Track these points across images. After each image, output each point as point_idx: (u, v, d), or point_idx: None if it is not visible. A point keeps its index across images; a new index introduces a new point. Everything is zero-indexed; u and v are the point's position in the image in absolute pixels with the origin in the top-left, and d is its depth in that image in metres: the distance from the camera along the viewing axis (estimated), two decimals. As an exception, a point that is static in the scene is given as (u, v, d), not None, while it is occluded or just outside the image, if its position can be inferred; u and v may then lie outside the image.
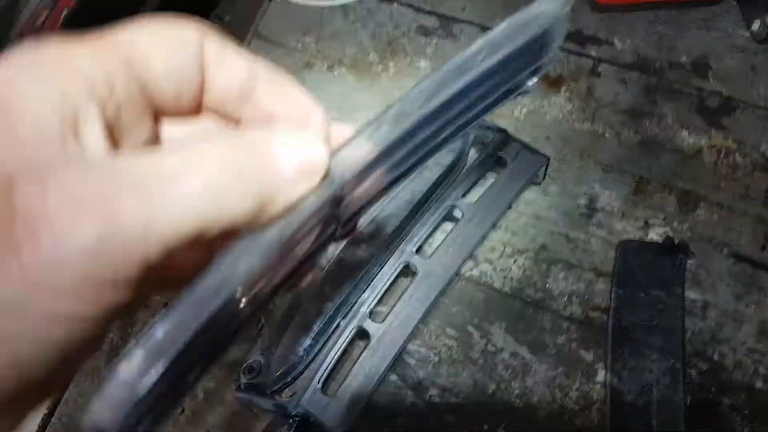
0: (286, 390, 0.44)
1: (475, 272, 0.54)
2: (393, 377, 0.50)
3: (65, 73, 0.18)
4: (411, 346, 0.51)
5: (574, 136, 0.58)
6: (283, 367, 0.46)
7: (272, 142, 0.19)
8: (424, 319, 0.47)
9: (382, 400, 0.50)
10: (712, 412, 0.48)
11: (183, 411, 0.51)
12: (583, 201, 0.56)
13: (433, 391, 0.50)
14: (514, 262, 0.54)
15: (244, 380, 0.47)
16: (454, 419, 0.49)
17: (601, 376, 0.50)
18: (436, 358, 0.51)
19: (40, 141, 0.17)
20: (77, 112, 0.18)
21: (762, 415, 0.48)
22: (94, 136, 0.18)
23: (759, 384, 0.49)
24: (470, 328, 0.52)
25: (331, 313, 0.49)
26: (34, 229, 0.15)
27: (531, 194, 0.56)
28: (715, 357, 0.50)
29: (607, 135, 0.58)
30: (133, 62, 0.19)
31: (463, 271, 0.54)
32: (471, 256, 0.52)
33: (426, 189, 0.50)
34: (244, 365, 0.48)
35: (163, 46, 0.20)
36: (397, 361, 0.51)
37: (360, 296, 0.46)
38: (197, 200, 0.17)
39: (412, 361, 0.51)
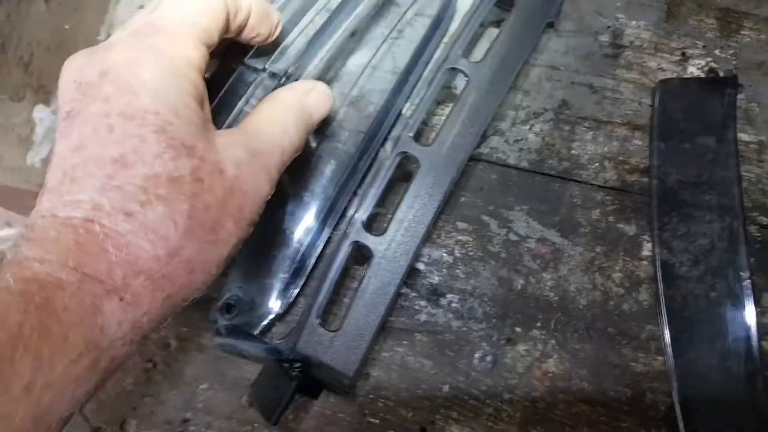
0: (277, 328, 0.35)
1: (484, 149, 0.44)
2: (403, 290, 0.42)
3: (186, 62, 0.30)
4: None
5: (585, -45, 0.45)
6: (269, 300, 0.37)
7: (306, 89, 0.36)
8: (434, 222, 0.37)
9: (393, 319, 0.41)
10: (778, 272, 0.41)
11: (155, 365, 0.42)
12: (606, 38, 0.44)
13: (451, 297, 0.42)
14: (530, 128, 0.44)
15: (222, 322, 0.38)
16: (480, 326, 0.41)
17: (647, 249, 0.42)
18: (450, 259, 0.42)
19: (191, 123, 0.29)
20: (203, 96, 0.31)
21: (834, 266, 0.41)
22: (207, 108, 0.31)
23: (829, 231, 0.42)
24: (485, 218, 0.43)
25: (316, 226, 0.39)
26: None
27: (542, 40, 0.44)
28: (778, 207, 0.42)
29: (627, -53, 0.45)
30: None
31: (464, 140, 0.43)
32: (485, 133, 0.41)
33: (412, 51, 0.38)
34: (220, 303, 0.39)
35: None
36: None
37: (349, 202, 0.36)
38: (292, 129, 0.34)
39: (421, 267, 0.42)
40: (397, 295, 0.38)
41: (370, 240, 0.35)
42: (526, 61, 0.42)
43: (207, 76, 0.32)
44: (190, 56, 0.30)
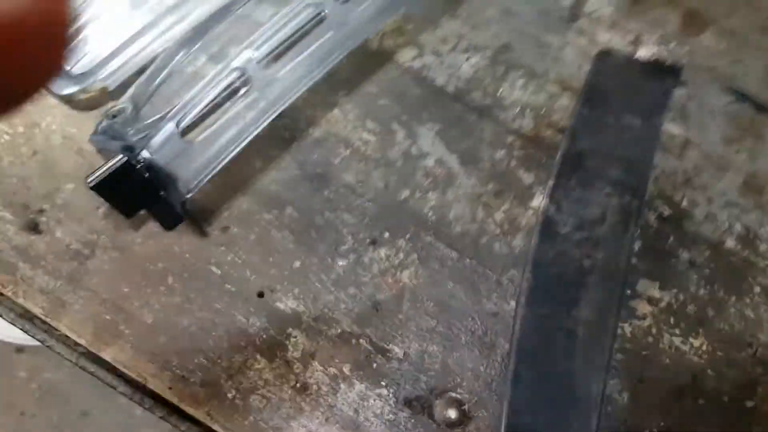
0: (139, 130, 0.35)
1: (417, 63, 0.44)
2: (292, 165, 0.42)
3: None
4: (317, 132, 0.42)
5: (574, -73, 0.47)
6: (149, 115, 0.38)
7: None
8: (327, 69, 0.37)
9: (273, 186, 0.41)
10: (665, 264, 0.40)
11: (34, 153, 0.43)
12: (567, 1, 0.45)
13: (334, 187, 0.42)
14: (467, 59, 0.44)
15: (103, 124, 0.39)
16: (352, 221, 0.41)
17: (537, 201, 0.41)
18: (347, 152, 0.42)
19: None
20: None
21: (724, 278, 0.39)
22: None
23: (730, 243, 0.40)
24: (395, 125, 0.43)
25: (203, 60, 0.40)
26: None
27: (505, -13, 0.45)
28: (684, 203, 0.41)
29: (615, -72, 0.46)
30: None
31: (403, 60, 0.44)
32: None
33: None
34: (108, 110, 0.40)
35: None
36: (301, 146, 0.42)
37: (248, 36, 0.37)
38: None
39: (317, 150, 0.42)
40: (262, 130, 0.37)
41: (255, 71, 0.35)
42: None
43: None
44: None
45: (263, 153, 0.42)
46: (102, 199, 0.37)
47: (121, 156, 0.33)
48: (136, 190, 0.35)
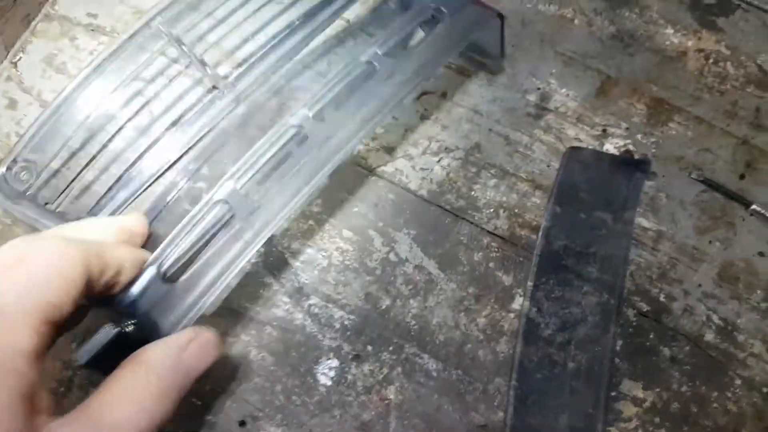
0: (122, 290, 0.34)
1: (389, 168, 0.44)
2: (269, 279, 0.41)
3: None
4: (296, 245, 0.42)
5: (536, 19, 0.47)
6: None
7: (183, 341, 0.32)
8: (308, 198, 0.36)
9: (249, 305, 0.41)
10: (647, 362, 0.40)
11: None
12: (533, 98, 0.45)
13: (315, 300, 0.41)
14: (439, 161, 0.44)
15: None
16: (334, 336, 0.40)
17: (517, 303, 0.41)
18: (326, 262, 0.42)
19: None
20: (33, 386, 0.26)
21: (706, 373, 0.39)
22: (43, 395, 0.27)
23: (709, 336, 0.40)
24: (372, 233, 0.43)
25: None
26: None
27: (473, 85, 0.46)
28: (662, 298, 0.41)
29: (576, 21, 0.47)
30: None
31: (375, 165, 0.44)
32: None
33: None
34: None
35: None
36: (278, 261, 0.42)
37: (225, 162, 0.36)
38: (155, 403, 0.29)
39: (295, 263, 0.42)
40: (244, 266, 0.37)
41: (233, 200, 0.35)
42: (440, 66, 0.43)
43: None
44: (23, 345, 0.25)
45: (240, 270, 0.41)
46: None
47: (109, 328, 0.31)
48: (123, 351, 0.33)
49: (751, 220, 0.42)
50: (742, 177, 0.43)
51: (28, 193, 0.38)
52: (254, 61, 0.41)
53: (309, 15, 0.42)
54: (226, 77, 0.40)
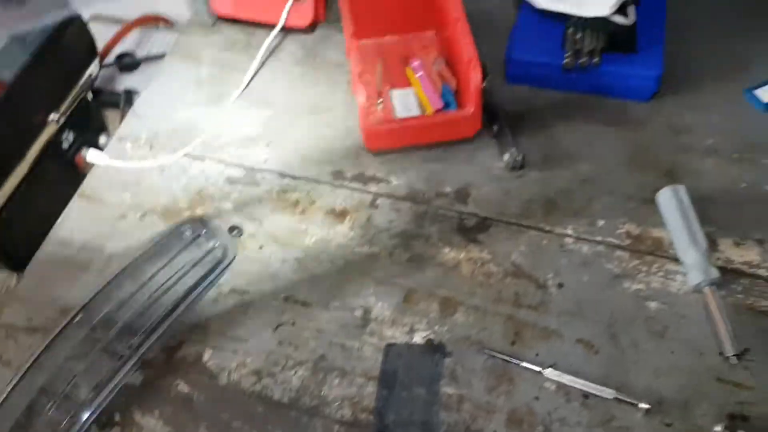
0: None
1: (258, 386, 0.59)
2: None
3: None
4: (189, 460, 0.54)
5: (354, 258, 0.66)
6: None
7: None
8: None
9: None
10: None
11: None
12: (359, 312, 0.63)
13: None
14: (295, 373, 0.59)
15: None
16: None
17: (364, 474, 0.53)
18: (214, 470, 0.54)
19: None
20: None
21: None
22: None
23: (509, 469, 0.53)
24: (247, 439, 0.56)
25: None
26: None
27: (315, 310, 0.63)
28: (469, 447, 0.55)
29: (382, 255, 0.66)
30: None
31: (244, 385, 0.59)
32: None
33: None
34: None
35: None
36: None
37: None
38: None
39: (191, 476, 0.54)
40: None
41: None
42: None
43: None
44: None
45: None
46: None
47: None
48: None
49: (525, 374, 0.58)
50: (513, 343, 0.60)
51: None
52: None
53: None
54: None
